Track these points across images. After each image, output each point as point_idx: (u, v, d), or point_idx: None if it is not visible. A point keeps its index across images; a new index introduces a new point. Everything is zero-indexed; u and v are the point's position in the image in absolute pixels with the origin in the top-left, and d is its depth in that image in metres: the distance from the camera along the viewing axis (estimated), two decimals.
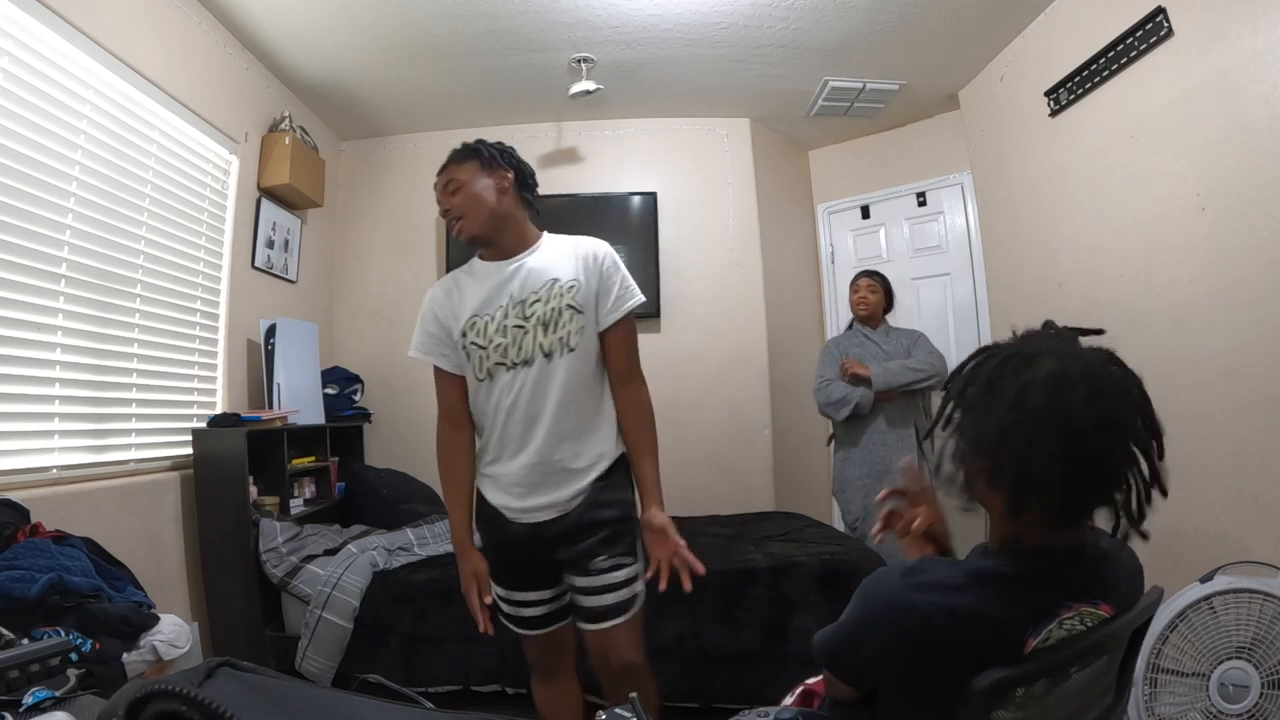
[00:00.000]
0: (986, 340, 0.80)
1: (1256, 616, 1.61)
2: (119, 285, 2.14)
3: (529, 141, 3.74)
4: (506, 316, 1.40)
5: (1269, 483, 1.87)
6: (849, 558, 2.31)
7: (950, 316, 3.66)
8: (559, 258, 1.46)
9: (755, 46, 2.99)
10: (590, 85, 3.08)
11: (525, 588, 1.45)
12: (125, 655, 1.48)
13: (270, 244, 3.01)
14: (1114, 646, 0.82)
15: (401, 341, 1.52)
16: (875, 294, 2.92)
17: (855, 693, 0.89)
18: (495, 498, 1.44)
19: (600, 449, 1.43)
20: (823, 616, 1.84)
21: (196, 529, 2.35)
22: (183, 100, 2.40)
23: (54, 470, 1.88)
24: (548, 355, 1.39)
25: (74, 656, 1.02)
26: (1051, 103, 2.71)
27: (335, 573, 2.31)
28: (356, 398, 3.44)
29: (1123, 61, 2.33)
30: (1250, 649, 1.61)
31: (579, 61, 3.05)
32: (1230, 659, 1.62)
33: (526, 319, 1.40)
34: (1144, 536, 0.78)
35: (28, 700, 0.83)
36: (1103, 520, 0.80)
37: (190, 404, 2.52)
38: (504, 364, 1.39)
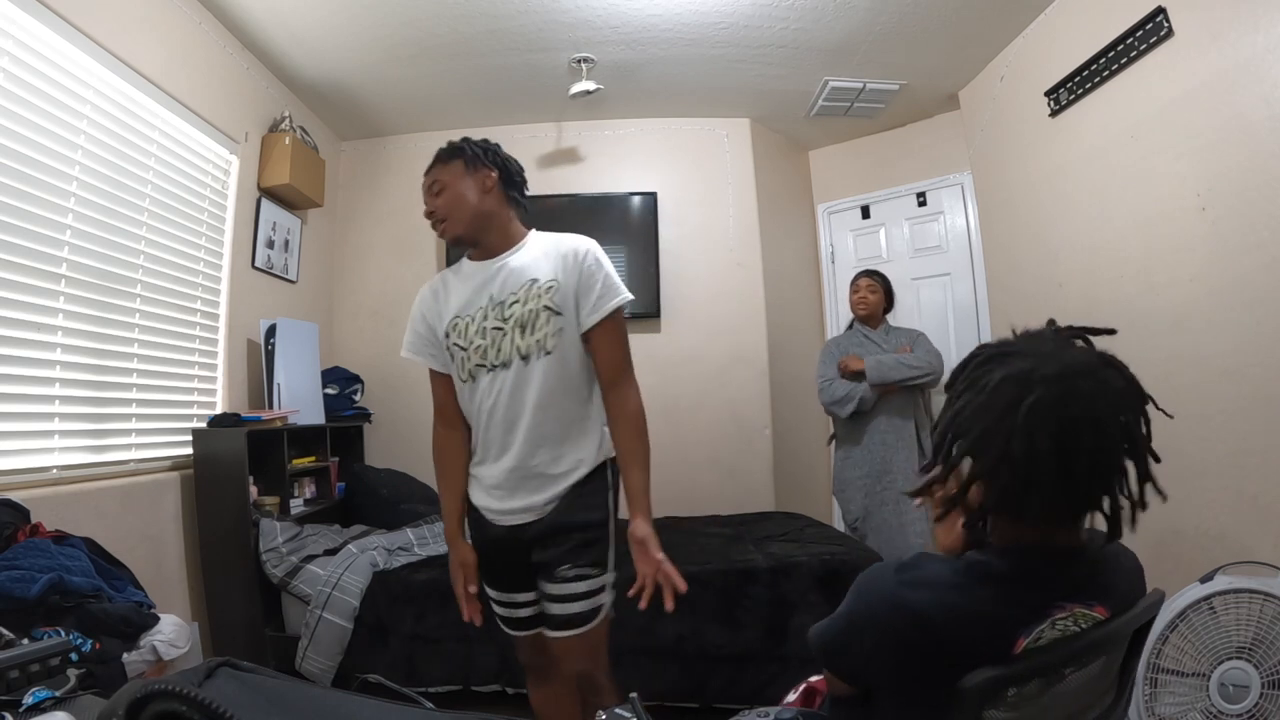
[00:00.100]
0: (987, 340, 0.81)
1: (1256, 616, 1.61)
2: (119, 285, 2.14)
3: (529, 141, 3.75)
4: (486, 318, 1.39)
5: (1269, 483, 1.87)
6: (849, 558, 2.31)
7: (950, 316, 3.66)
8: (540, 257, 1.41)
9: (755, 46, 2.99)
10: (590, 85, 3.08)
11: (510, 589, 1.46)
12: (125, 655, 1.48)
13: (270, 244, 3.01)
14: (1111, 648, 0.81)
15: (401, 342, 1.52)
16: (875, 294, 2.92)
17: (853, 689, 0.89)
18: (478, 499, 1.45)
19: (580, 455, 1.39)
20: (823, 616, 1.83)
21: (196, 529, 2.35)
22: (183, 100, 2.40)
23: (54, 470, 1.88)
24: (525, 358, 1.36)
25: (74, 656, 1.02)
26: (1051, 103, 2.71)
27: (335, 573, 2.31)
28: (356, 398, 3.44)
29: (1123, 61, 2.33)
30: (1250, 649, 1.61)
31: (579, 61, 3.05)
32: (1230, 659, 1.62)
33: (505, 320, 1.37)
34: (1112, 538, 0.79)
35: (28, 700, 0.83)
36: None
37: (190, 404, 2.52)
38: (484, 366, 1.39)
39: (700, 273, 3.70)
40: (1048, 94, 2.72)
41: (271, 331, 2.80)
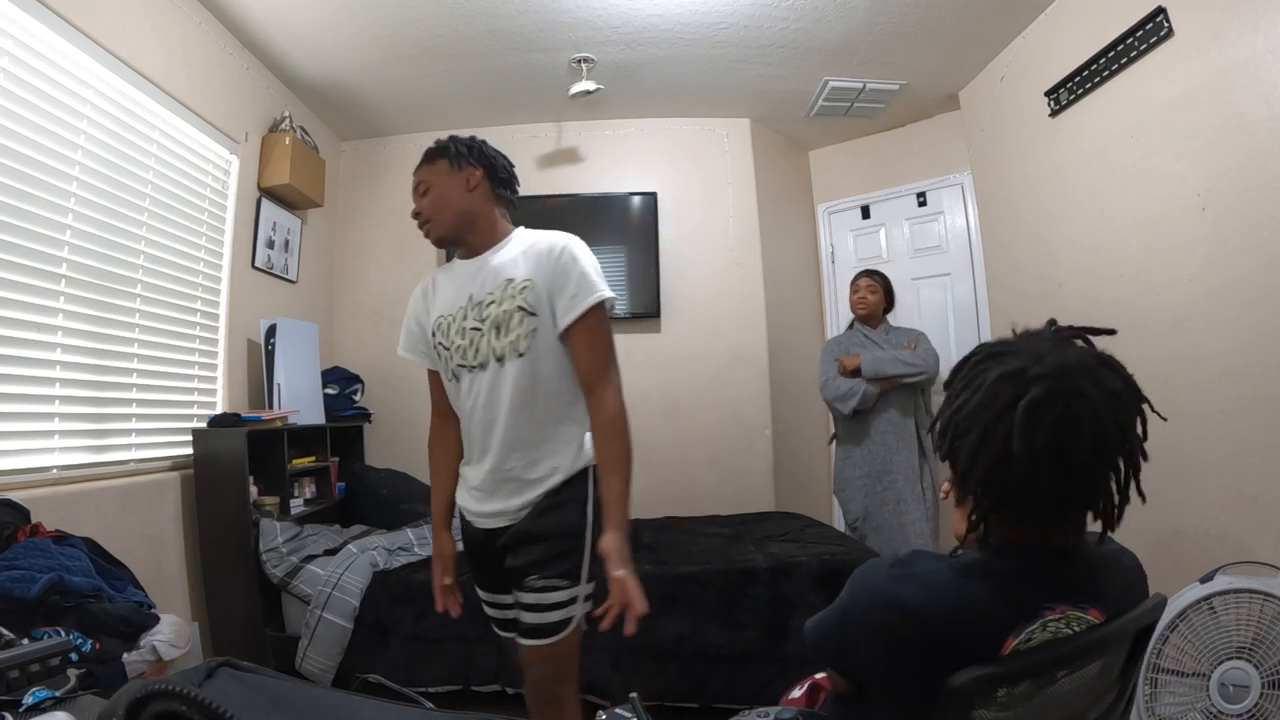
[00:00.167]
0: (987, 340, 0.81)
1: (1257, 617, 1.61)
2: (119, 285, 2.14)
3: (529, 141, 3.75)
4: (465, 318, 1.37)
5: (1269, 483, 1.87)
6: (849, 558, 2.31)
7: (950, 316, 3.66)
8: (519, 255, 1.37)
9: (755, 46, 2.99)
10: (590, 85, 3.08)
11: (494, 590, 1.45)
12: (125, 655, 1.48)
13: (270, 244, 3.01)
14: (1106, 652, 0.80)
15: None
16: (875, 294, 2.93)
17: (849, 685, 0.90)
18: (461, 498, 1.45)
19: (556, 461, 1.35)
20: None
21: (196, 529, 2.35)
22: (183, 100, 2.40)
23: (54, 470, 1.88)
24: (500, 360, 1.33)
25: (74, 656, 1.02)
26: (1052, 103, 2.71)
27: (335, 573, 2.31)
28: (356, 398, 3.44)
29: (1123, 61, 2.33)
30: (1250, 649, 1.61)
31: (579, 61, 3.05)
32: (1230, 659, 1.62)
33: (482, 321, 1.35)
34: (1103, 539, 0.79)
35: (28, 700, 0.83)
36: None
37: (190, 404, 2.52)
38: (464, 366, 1.37)
39: (700, 273, 3.70)
40: (1048, 94, 2.72)
41: (271, 331, 2.80)
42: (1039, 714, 0.78)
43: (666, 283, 3.63)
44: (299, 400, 2.87)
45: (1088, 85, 2.50)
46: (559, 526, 1.33)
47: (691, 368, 3.64)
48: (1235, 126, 1.94)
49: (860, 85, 3.30)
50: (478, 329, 1.35)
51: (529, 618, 1.32)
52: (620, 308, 3.63)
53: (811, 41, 2.94)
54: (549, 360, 1.34)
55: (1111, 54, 2.37)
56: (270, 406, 2.74)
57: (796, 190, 4.11)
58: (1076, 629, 0.76)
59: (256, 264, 2.90)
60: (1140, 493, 0.79)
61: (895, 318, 3.06)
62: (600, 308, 1.33)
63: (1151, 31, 2.19)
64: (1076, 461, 0.73)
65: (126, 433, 2.18)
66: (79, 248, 1.96)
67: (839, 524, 3.42)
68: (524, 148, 3.74)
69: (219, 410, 2.61)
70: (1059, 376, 0.73)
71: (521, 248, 1.39)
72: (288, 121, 3.01)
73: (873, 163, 3.94)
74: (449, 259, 1.56)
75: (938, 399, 2.61)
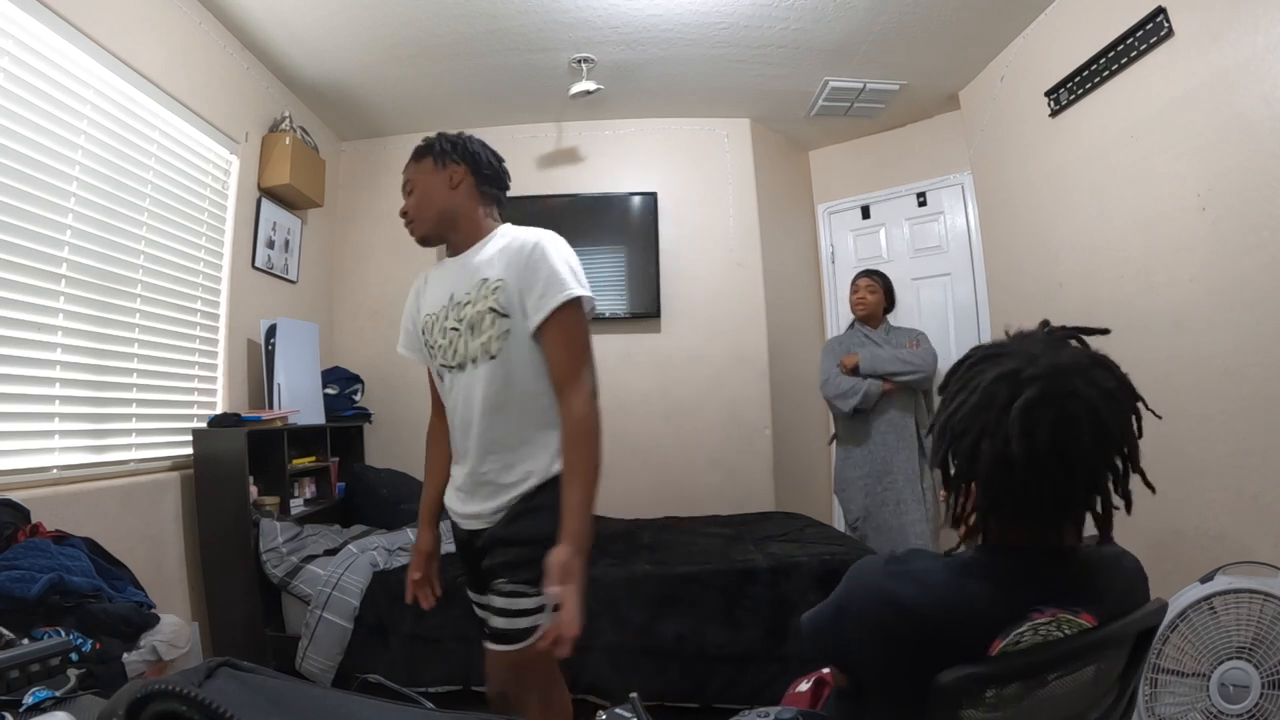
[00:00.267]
0: (987, 340, 0.81)
1: (1257, 617, 1.61)
2: (119, 285, 2.14)
3: (529, 141, 3.75)
4: (447, 317, 1.36)
5: (1269, 483, 1.87)
6: (849, 558, 2.31)
7: (950, 316, 3.66)
8: (495, 254, 1.34)
9: (755, 46, 2.99)
10: (590, 85, 3.08)
11: (476, 591, 1.45)
12: (125, 655, 1.48)
13: (270, 244, 3.01)
14: (1099, 656, 0.79)
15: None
16: (874, 294, 2.93)
17: (849, 680, 0.91)
18: (447, 497, 1.45)
19: (531, 466, 1.30)
20: None
21: (196, 529, 2.35)
22: (183, 100, 2.40)
23: (54, 470, 1.88)
24: (474, 361, 1.31)
25: (74, 656, 1.02)
26: (1052, 103, 2.71)
27: (335, 573, 2.31)
28: (357, 398, 3.44)
29: (1123, 62, 2.33)
30: (1250, 649, 1.61)
31: (579, 61, 3.05)
32: (1230, 659, 1.62)
33: (460, 321, 1.33)
34: (1102, 539, 0.79)
35: (28, 700, 0.83)
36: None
37: (190, 404, 2.52)
38: (446, 366, 1.37)
39: (700, 273, 3.70)
40: (1048, 94, 2.72)
41: (271, 331, 2.80)
42: (1031, 715, 0.77)
43: (666, 283, 3.63)
44: (299, 400, 2.87)
45: (1088, 85, 2.50)
46: (530, 532, 1.27)
47: (691, 368, 3.64)
48: (1235, 126, 1.94)
49: (860, 85, 3.30)
50: (456, 329, 1.34)
51: (497, 621, 1.29)
52: (620, 308, 3.63)
53: (811, 41, 2.94)
54: (522, 362, 1.30)
55: (1111, 54, 2.37)
56: (270, 406, 2.74)
57: (796, 190, 4.11)
58: (1067, 632, 0.76)
59: (256, 264, 2.90)
60: (1148, 484, 0.79)
61: (895, 318, 3.06)
62: (571, 307, 1.27)
63: (1151, 31, 2.19)
64: (1075, 461, 0.73)
65: (126, 433, 2.18)
66: (79, 248, 1.96)
67: (839, 524, 3.42)
68: (524, 148, 3.74)
69: (219, 410, 2.61)
70: (1053, 377, 0.73)
71: (499, 246, 1.35)
72: (288, 121, 3.01)
73: (873, 163, 3.94)
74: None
75: (939, 399, 2.61)
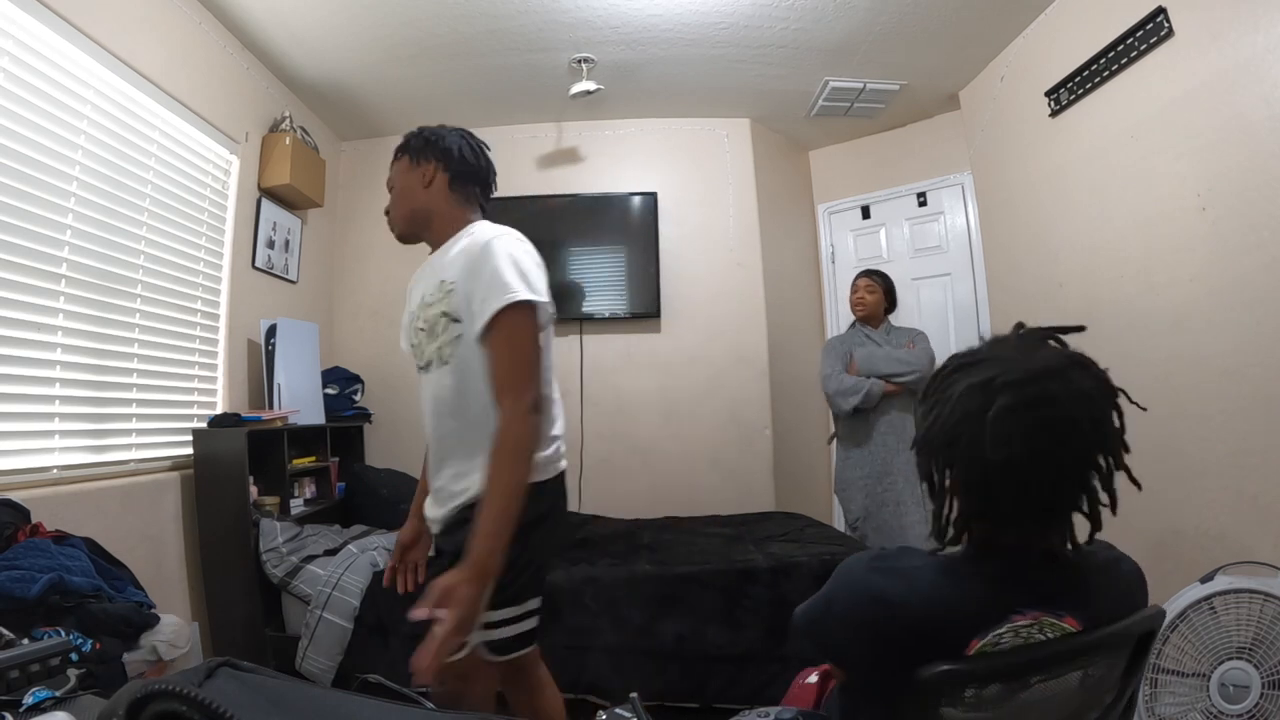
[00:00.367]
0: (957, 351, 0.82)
1: (1257, 617, 1.61)
2: (119, 285, 2.14)
3: (529, 141, 3.75)
4: (417, 318, 1.35)
5: (1269, 483, 1.87)
6: None
7: (950, 317, 3.66)
8: (457, 254, 1.29)
9: (755, 46, 2.99)
10: (590, 85, 3.08)
11: None
12: (125, 655, 1.48)
13: (270, 244, 3.01)
14: (1086, 661, 0.78)
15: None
16: (873, 294, 2.92)
17: (845, 673, 0.91)
18: (426, 500, 1.45)
19: (477, 476, 1.22)
20: None
21: (196, 529, 2.35)
22: (183, 100, 2.40)
23: (54, 470, 1.88)
24: (433, 365, 1.30)
25: (74, 656, 1.02)
26: (1052, 103, 2.71)
27: (335, 573, 2.31)
28: (357, 398, 3.44)
29: (1123, 62, 2.33)
30: (1251, 649, 1.61)
31: (579, 61, 3.05)
32: (1230, 659, 1.62)
33: (426, 323, 1.31)
34: (1091, 540, 0.79)
35: (28, 700, 0.83)
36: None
37: (190, 404, 2.52)
38: (418, 367, 1.37)
39: (700, 273, 3.70)
40: (1048, 94, 2.72)
41: (272, 331, 2.80)
42: (1017, 718, 0.77)
43: (666, 283, 3.63)
44: (299, 400, 2.87)
45: (1088, 85, 2.50)
46: (460, 546, 1.19)
47: (691, 368, 3.64)
48: (1235, 126, 1.94)
49: (860, 85, 3.30)
50: (423, 330, 1.33)
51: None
52: (620, 308, 3.63)
53: (811, 41, 2.94)
54: (475, 369, 1.24)
55: (1111, 54, 2.37)
56: (270, 406, 2.74)
57: (797, 190, 4.11)
58: (1050, 635, 0.75)
59: (257, 264, 2.90)
60: (1134, 481, 0.78)
61: (895, 318, 3.06)
62: (514, 312, 1.18)
63: (1151, 32, 2.19)
64: (1055, 466, 0.73)
65: (127, 433, 2.18)
66: (79, 248, 1.96)
67: (839, 524, 3.42)
68: (524, 148, 3.74)
69: (219, 410, 2.61)
70: (1026, 382, 0.73)
71: (461, 245, 1.30)
72: (288, 121, 3.01)
73: (873, 163, 3.94)
74: None
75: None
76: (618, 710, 0.74)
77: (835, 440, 3.00)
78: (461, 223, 1.36)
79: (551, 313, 1.29)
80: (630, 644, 2.18)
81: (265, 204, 2.94)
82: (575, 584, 2.25)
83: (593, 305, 3.62)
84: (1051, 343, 0.81)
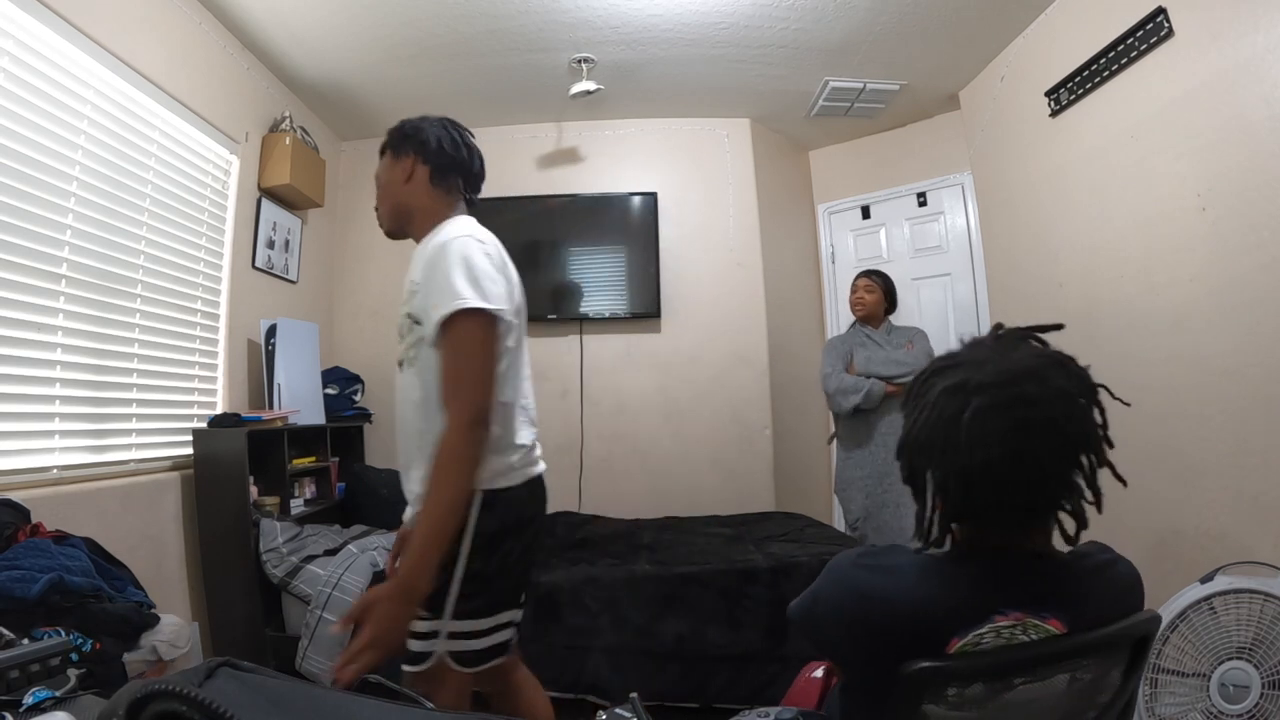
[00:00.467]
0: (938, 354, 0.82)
1: (1257, 617, 1.61)
2: (119, 285, 2.14)
3: (529, 141, 3.75)
4: (399, 316, 1.32)
5: (1269, 483, 1.87)
6: None
7: (950, 317, 3.66)
8: (421, 252, 1.26)
9: (755, 47, 2.99)
10: (590, 85, 3.08)
11: None
12: (125, 655, 1.48)
13: (270, 244, 3.01)
14: (1072, 664, 0.78)
15: None
16: (872, 294, 2.92)
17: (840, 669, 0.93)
18: None
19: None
20: None
21: (197, 529, 2.35)
22: (183, 100, 2.40)
23: (54, 470, 1.88)
24: (402, 365, 1.29)
25: (74, 656, 1.02)
26: (1052, 103, 2.71)
27: (336, 573, 2.31)
28: (357, 398, 3.44)
29: (1123, 62, 2.33)
30: (1251, 649, 1.61)
31: (579, 61, 3.05)
32: (1231, 659, 1.62)
33: (398, 324, 1.30)
34: (1076, 538, 0.79)
35: (28, 700, 0.83)
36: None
37: (190, 404, 2.52)
38: (396, 364, 1.35)
39: (700, 273, 3.70)
40: (1048, 94, 2.72)
41: (272, 331, 2.80)
42: (1002, 718, 0.77)
43: (666, 283, 3.63)
44: (299, 400, 2.87)
45: (1088, 85, 2.50)
46: None
47: (692, 368, 3.64)
48: (1235, 126, 1.94)
49: (860, 85, 3.30)
50: (398, 330, 1.31)
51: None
52: (620, 308, 3.63)
53: (811, 41, 2.94)
54: (434, 372, 1.20)
55: (1111, 54, 2.37)
56: (270, 406, 2.74)
57: (797, 190, 4.11)
58: (1033, 637, 0.75)
59: (257, 264, 2.90)
60: (1119, 478, 0.78)
61: (896, 318, 3.06)
62: (461, 319, 1.14)
63: (1151, 32, 2.19)
64: (1033, 467, 0.73)
65: (127, 433, 2.18)
66: (79, 248, 1.96)
67: (839, 524, 3.43)
68: (524, 148, 3.74)
69: (219, 410, 2.61)
70: (1001, 384, 0.73)
71: (431, 242, 1.26)
72: (288, 121, 3.01)
73: (873, 163, 3.94)
74: None
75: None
76: (618, 710, 0.74)
77: (835, 440, 3.00)
78: (441, 218, 1.32)
79: (511, 320, 1.23)
80: (630, 644, 2.18)
81: (265, 204, 2.94)
82: (575, 584, 2.26)
83: (593, 305, 3.62)
84: (1033, 342, 0.81)
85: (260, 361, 2.83)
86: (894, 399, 2.77)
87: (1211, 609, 1.66)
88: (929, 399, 0.78)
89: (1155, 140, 2.23)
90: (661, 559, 2.46)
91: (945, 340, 3.50)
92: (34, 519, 1.63)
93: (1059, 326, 0.83)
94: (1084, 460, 0.76)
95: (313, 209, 3.34)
